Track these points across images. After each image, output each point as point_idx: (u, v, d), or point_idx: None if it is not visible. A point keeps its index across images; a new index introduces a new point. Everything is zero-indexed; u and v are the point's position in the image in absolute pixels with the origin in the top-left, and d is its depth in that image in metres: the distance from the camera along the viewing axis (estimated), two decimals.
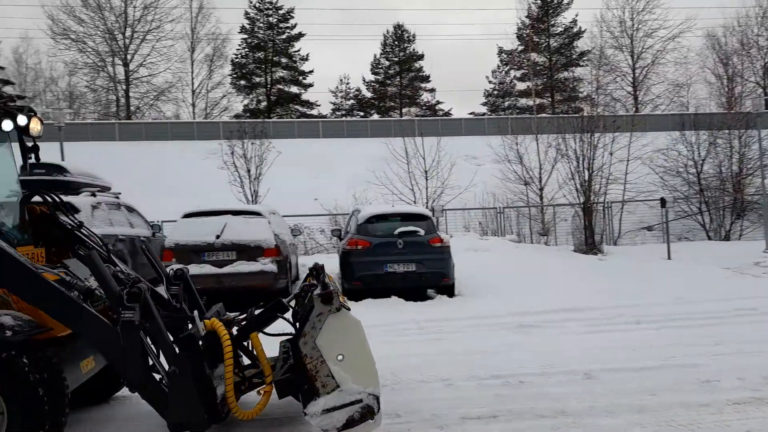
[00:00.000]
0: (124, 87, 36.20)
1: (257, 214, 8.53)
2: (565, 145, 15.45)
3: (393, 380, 4.15)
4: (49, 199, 3.64)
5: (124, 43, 35.33)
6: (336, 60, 59.09)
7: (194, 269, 7.58)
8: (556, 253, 13.58)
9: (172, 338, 2.99)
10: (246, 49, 40.42)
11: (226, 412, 2.97)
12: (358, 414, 2.73)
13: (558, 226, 16.57)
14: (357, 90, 43.12)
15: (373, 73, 42.82)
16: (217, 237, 7.74)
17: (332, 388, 2.79)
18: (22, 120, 3.77)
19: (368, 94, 43.03)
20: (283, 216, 10.93)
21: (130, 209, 9.56)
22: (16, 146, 3.81)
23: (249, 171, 14.88)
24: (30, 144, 3.88)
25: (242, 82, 40.77)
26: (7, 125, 3.73)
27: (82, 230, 3.62)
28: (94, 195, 8.40)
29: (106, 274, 3.04)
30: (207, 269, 7.63)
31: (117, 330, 2.80)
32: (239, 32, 39.86)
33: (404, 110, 42.18)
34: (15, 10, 41.19)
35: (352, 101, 43.50)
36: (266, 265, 7.75)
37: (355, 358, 2.85)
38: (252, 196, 14.97)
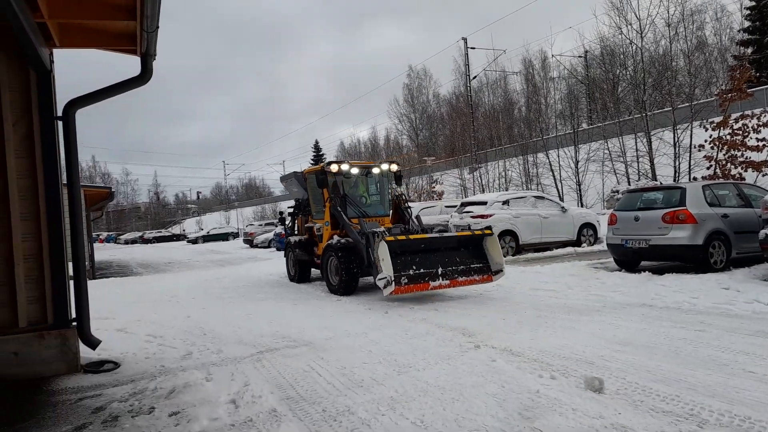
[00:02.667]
0: None
1: None
2: None
3: None
4: (401, 197, 10.17)
5: None
6: None
7: None
8: None
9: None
10: None
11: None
12: (387, 282, 7.07)
13: None
14: None
15: None
16: None
17: (380, 270, 7.21)
18: (384, 166, 10.14)
19: None
20: None
21: None
22: None
23: None
24: (398, 176, 10.35)
25: None
26: (376, 170, 10.14)
27: (406, 208, 9.89)
28: None
29: (362, 227, 8.57)
30: None
31: (363, 245, 8.24)
32: None
33: None
34: None
35: None
36: None
37: (384, 261, 7.18)
38: None
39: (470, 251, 8.17)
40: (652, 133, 21.81)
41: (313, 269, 10.92)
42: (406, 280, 7.28)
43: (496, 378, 3.99)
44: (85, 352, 5.06)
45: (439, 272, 7.62)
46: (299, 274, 11.02)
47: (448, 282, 7.64)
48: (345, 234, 9.10)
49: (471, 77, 40.29)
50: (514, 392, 3.67)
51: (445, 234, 8.34)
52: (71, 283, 4.96)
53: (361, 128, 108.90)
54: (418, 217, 9.74)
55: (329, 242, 9.08)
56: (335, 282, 9.00)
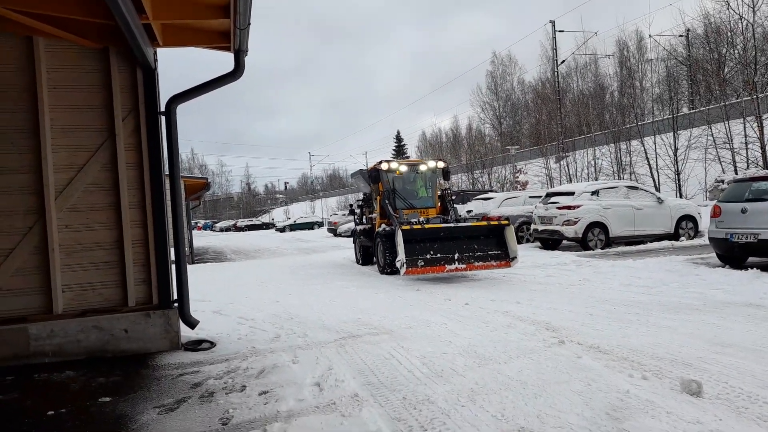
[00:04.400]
0: None
1: None
2: None
3: None
4: (446, 191, 11.18)
5: None
6: None
7: None
8: None
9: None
10: None
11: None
12: (401, 264, 8.35)
13: None
14: None
15: None
16: None
17: (398, 255, 8.40)
18: (431, 163, 11.41)
19: None
20: None
21: None
22: None
23: None
24: (445, 171, 11.49)
25: None
26: (423, 167, 11.38)
27: (450, 201, 10.90)
28: None
29: (400, 217, 10.02)
30: None
31: (400, 235, 8.65)
32: None
33: None
34: None
35: None
36: None
37: (400, 246, 8.34)
38: None
39: (490, 240, 9.14)
40: (764, 117, 19.84)
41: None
42: (422, 263, 8.59)
43: (582, 375, 3.85)
44: (185, 332, 5.46)
45: (456, 257, 8.75)
46: (363, 257, 12.65)
47: (464, 266, 8.75)
48: (391, 223, 10.27)
49: (559, 62, 38.63)
50: (601, 391, 3.52)
51: (461, 224, 9.38)
52: (173, 267, 5.37)
53: (442, 118, 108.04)
54: (454, 209, 10.87)
55: (377, 230, 10.55)
56: (381, 264, 10.41)
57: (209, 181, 23.89)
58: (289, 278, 10.97)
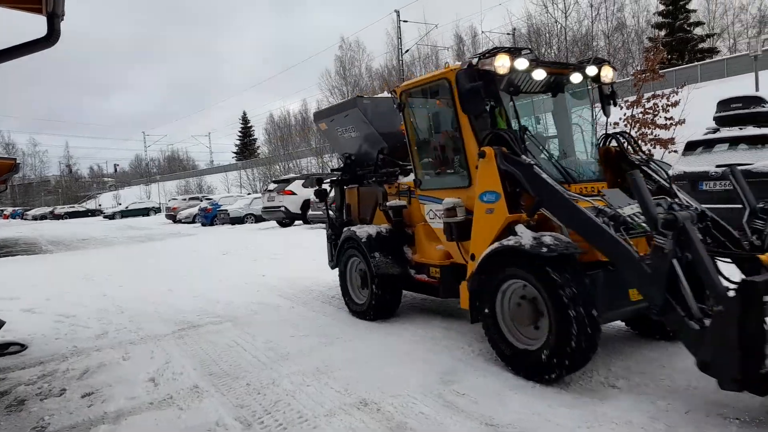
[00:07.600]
0: None
1: None
2: None
3: None
4: (621, 140, 4.28)
5: None
6: None
7: None
8: None
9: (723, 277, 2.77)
10: None
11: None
12: None
13: None
14: None
15: None
16: None
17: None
18: (591, 70, 4.26)
19: None
20: None
21: None
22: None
23: None
24: (608, 92, 4.46)
25: None
26: (576, 77, 4.23)
27: (650, 164, 4.08)
28: None
29: (648, 200, 2.90)
30: None
31: (634, 254, 2.92)
32: None
33: None
34: None
35: None
36: None
37: None
38: None
39: None
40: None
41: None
42: None
43: (422, 346, 4.10)
44: None
45: None
46: (378, 302, 4.94)
47: None
48: (551, 226, 3.55)
49: (403, 51, 40.22)
50: (438, 360, 3.78)
51: None
52: None
53: (291, 101, 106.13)
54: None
55: (514, 242, 3.36)
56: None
57: (18, 162, 20.63)
58: (120, 270, 9.98)
